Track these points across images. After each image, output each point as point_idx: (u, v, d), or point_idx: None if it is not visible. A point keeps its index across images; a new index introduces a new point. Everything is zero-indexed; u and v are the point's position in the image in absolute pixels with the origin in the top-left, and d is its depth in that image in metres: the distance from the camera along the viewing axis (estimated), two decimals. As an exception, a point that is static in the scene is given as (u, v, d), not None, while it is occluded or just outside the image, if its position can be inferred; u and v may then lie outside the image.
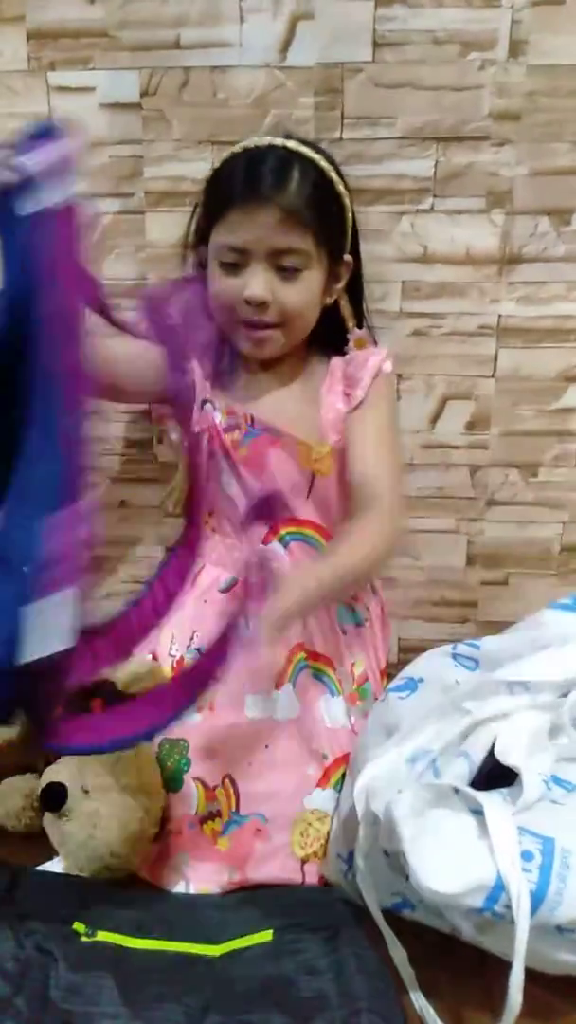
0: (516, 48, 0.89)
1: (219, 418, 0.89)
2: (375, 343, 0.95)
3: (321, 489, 0.89)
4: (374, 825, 0.63)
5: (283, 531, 0.89)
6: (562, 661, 0.71)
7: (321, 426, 0.88)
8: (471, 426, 1.03)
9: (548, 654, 0.72)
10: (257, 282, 0.81)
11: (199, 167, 0.95)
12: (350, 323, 0.91)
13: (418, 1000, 0.61)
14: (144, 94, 0.93)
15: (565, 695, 0.69)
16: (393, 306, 0.98)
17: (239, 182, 0.81)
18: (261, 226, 0.80)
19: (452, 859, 0.57)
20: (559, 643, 0.74)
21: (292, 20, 0.90)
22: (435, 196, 0.94)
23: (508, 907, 0.54)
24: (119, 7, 0.90)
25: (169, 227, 0.97)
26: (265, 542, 0.89)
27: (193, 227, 0.92)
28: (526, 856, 0.56)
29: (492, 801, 0.60)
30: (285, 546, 0.89)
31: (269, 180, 0.80)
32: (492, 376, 1.01)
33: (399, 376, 1.01)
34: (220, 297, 0.84)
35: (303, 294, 0.83)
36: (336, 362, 0.91)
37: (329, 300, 0.88)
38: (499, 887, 0.55)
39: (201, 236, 0.89)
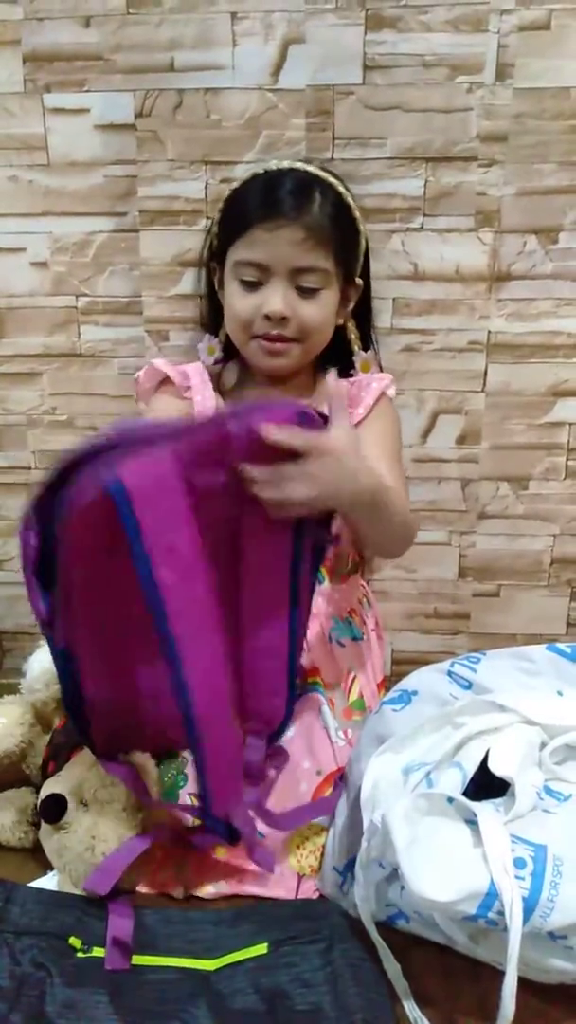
0: (503, 71, 0.91)
1: None
2: (380, 367, 0.97)
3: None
4: (375, 837, 0.63)
5: None
6: (553, 708, 0.72)
7: None
8: (462, 440, 1.04)
9: (541, 698, 0.73)
10: (277, 298, 0.82)
11: (192, 187, 0.96)
12: (356, 346, 0.93)
13: (412, 1011, 0.61)
14: (138, 115, 0.95)
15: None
16: (384, 322, 1.00)
17: (262, 201, 0.83)
18: (284, 243, 0.81)
19: (446, 867, 0.58)
20: (552, 689, 0.75)
21: (284, 44, 0.92)
22: (425, 215, 0.96)
23: (501, 914, 0.55)
24: (114, 31, 0.92)
25: (163, 245, 0.99)
26: None
27: (207, 247, 0.93)
28: (518, 863, 0.57)
29: (485, 810, 0.61)
30: None
31: (292, 199, 0.82)
32: (482, 391, 1.02)
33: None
34: (238, 314, 0.85)
35: (321, 311, 0.85)
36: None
37: (339, 321, 0.90)
38: (492, 894, 0.56)
39: (216, 256, 0.90)
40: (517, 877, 0.56)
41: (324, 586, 0.91)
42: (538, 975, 0.61)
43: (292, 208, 0.81)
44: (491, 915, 0.56)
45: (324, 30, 0.91)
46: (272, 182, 0.84)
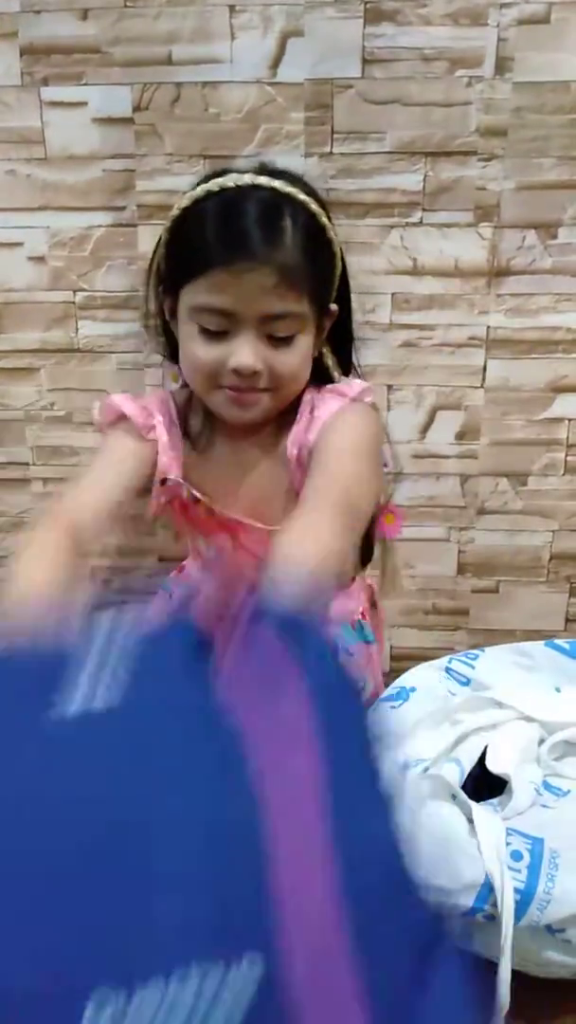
0: (502, 65, 0.90)
1: (185, 492, 0.82)
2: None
3: None
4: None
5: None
6: (552, 704, 0.72)
7: (292, 484, 0.80)
8: (461, 436, 1.04)
9: (540, 694, 0.73)
10: (246, 352, 0.70)
11: (191, 181, 0.95)
12: (335, 372, 0.81)
13: (411, 1007, 0.61)
14: (136, 109, 0.94)
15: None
16: (383, 318, 0.99)
17: (223, 236, 0.69)
18: (253, 289, 0.68)
19: (443, 855, 0.58)
20: (551, 685, 0.75)
21: (282, 37, 0.91)
22: (424, 210, 0.96)
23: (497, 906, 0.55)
24: (112, 24, 0.91)
25: (161, 240, 0.98)
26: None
27: (155, 270, 0.78)
28: (515, 856, 0.57)
29: (481, 805, 0.61)
30: None
31: (259, 235, 0.68)
32: (481, 387, 1.02)
33: (389, 387, 1.02)
34: (202, 365, 0.73)
35: (296, 358, 0.73)
36: (307, 405, 0.78)
37: (314, 353, 0.77)
38: (488, 885, 0.56)
39: (166, 286, 0.76)
40: (513, 869, 0.56)
41: None
42: (536, 969, 0.61)
43: (260, 246, 0.68)
44: (488, 908, 0.56)
45: (323, 23, 0.90)
46: (232, 209, 0.69)
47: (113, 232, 0.99)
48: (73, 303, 1.02)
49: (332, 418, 0.76)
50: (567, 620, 1.12)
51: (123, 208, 0.98)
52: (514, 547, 1.08)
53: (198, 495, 0.83)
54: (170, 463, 0.79)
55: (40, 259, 1.00)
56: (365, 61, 0.91)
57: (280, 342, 0.71)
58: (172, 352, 0.82)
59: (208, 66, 0.92)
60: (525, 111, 0.92)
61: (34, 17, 0.92)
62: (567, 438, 1.04)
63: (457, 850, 0.59)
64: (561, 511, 1.07)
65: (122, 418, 0.78)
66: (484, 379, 1.02)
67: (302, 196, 0.71)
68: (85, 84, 0.94)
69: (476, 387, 1.02)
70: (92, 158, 0.96)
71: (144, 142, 0.95)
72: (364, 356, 0.99)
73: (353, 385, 0.79)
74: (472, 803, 0.62)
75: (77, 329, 1.03)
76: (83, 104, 0.94)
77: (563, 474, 1.05)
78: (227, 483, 0.82)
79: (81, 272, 1.00)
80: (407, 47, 0.90)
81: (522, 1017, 0.58)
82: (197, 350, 0.72)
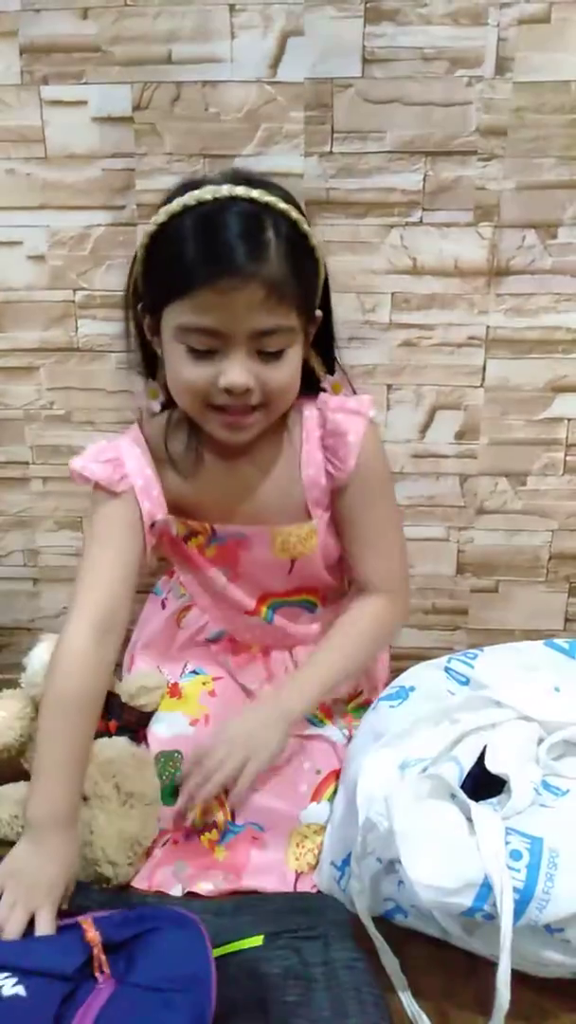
0: (503, 65, 0.90)
1: (176, 530, 0.82)
2: (352, 387, 0.85)
3: (303, 565, 0.85)
4: (371, 833, 0.64)
5: (268, 602, 0.88)
6: (551, 704, 0.72)
7: (304, 502, 0.81)
8: (461, 436, 1.04)
9: (539, 694, 0.73)
10: (236, 370, 0.69)
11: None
12: (321, 372, 0.81)
13: (411, 1007, 0.61)
14: (136, 108, 0.94)
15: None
16: (383, 317, 0.99)
17: (205, 254, 0.66)
18: (241, 307, 0.66)
19: (443, 854, 0.58)
20: (550, 685, 0.75)
21: (282, 36, 0.91)
22: (424, 209, 0.96)
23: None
24: (112, 22, 0.91)
25: (161, 239, 0.98)
26: (249, 615, 0.89)
27: (133, 289, 0.76)
28: (514, 855, 0.57)
29: (480, 806, 0.61)
30: (271, 617, 0.88)
31: (244, 250, 0.65)
32: (481, 386, 1.02)
33: (388, 387, 1.02)
34: (191, 385, 0.71)
35: (287, 372, 0.72)
36: (311, 421, 0.80)
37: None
38: (488, 884, 0.56)
39: (145, 305, 0.74)
40: (512, 869, 0.56)
41: (318, 612, 0.90)
42: (535, 969, 0.61)
43: (245, 262, 0.65)
44: (487, 907, 0.56)
45: (323, 23, 0.90)
46: (212, 225, 0.66)
47: (113, 231, 0.99)
48: (73, 302, 1.02)
49: (361, 456, 0.78)
50: (566, 620, 1.12)
51: (123, 207, 0.98)
52: (513, 547, 1.08)
53: (195, 526, 0.83)
54: (154, 505, 0.78)
55: (40, 258, 1.00)
56: (365, 60, 0.91)
57: (271, 357, 0.70)
58: (150, 369, 0.80)
59: (208, 65, 0.92)
60: (525, 111, 0.92)
61: (34, 16, 0.92)
62: (566, 438, 1.04)
63: (456, 849, 0.59)
64: (560, 511, 1.07)
65: (96, 487, 0.77)
66: (484, 379, 1.02)
67: (282, 205, 0.68)
68: (85, 83, 0.94)
69: (476, 387, 1.02)
70: (92, 157, 0.96)
71: (144, 141, 0.95)
72: (363, 355, 1.00)
73: (362, 401, 0.80)
74: (471, 802, 0.62)
75: (77, 328, 1.03)
76: (83, 103, 0.94)
77: (562, 474, 1.05)
78: (224, 500, 0.82)
79: (81, 271, 1.00)
80: (407, 47, 0.90)
81: (522, 1017, 0.58)
82: (185, 371, 0.70)
